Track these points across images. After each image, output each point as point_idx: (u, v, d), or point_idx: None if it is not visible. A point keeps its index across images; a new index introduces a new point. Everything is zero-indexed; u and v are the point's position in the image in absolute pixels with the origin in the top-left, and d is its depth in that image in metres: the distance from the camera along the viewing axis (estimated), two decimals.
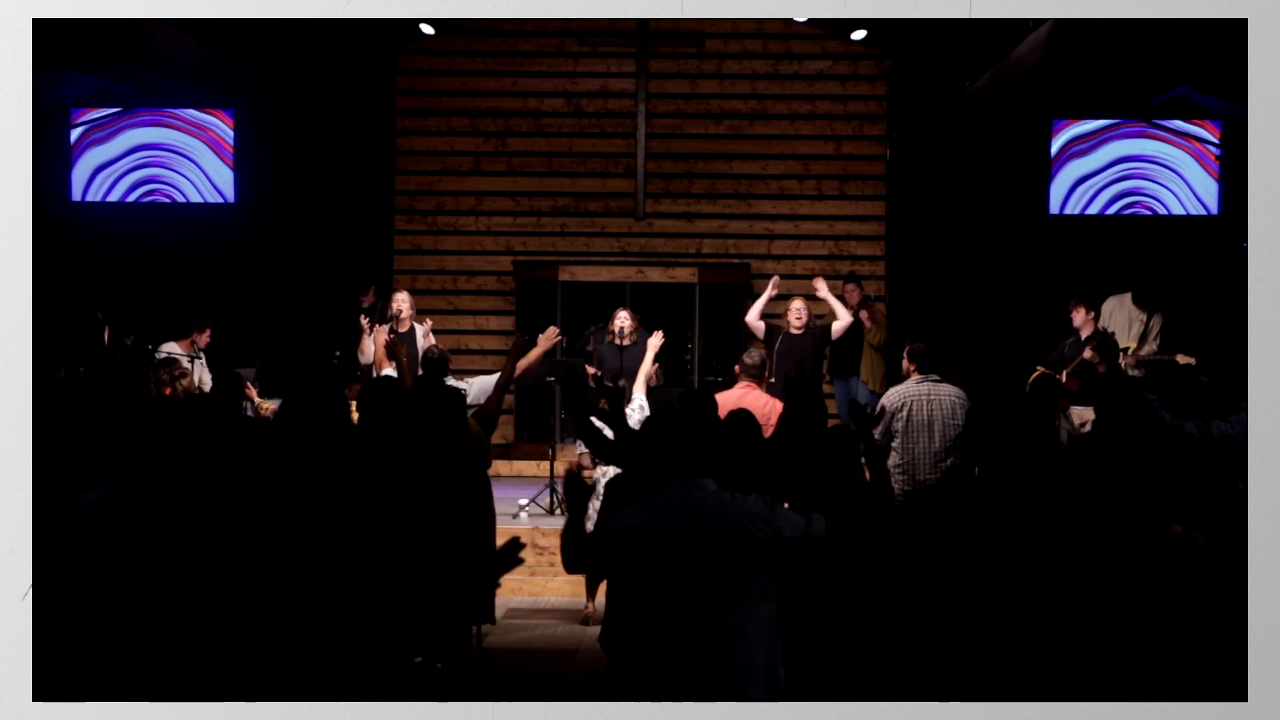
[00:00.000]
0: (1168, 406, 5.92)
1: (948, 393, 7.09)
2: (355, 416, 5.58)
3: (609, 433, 5.62)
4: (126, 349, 9.20)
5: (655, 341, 8.67)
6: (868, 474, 4.59)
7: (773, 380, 9.35)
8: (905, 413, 7.03)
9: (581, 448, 7.77)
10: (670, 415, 5.20)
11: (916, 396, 7.05)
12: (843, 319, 9.31)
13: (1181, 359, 9.65)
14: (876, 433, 6.97)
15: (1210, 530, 4.86)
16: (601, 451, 5.43)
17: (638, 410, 7.22)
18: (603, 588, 7.67)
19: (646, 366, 8.51)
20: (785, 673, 3.72)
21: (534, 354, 7.68)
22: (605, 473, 7.58)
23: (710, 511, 3.58)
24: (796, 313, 9.22)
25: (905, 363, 7.35)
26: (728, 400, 6.52)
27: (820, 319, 9.59)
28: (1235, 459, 5.90)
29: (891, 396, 7.18)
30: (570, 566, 3.83)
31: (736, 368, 7.20)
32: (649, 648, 3.61)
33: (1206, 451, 5.67)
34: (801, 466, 4.49)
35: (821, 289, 9.40)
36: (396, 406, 5.50)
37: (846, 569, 4.24)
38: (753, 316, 9.51)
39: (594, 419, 5.65)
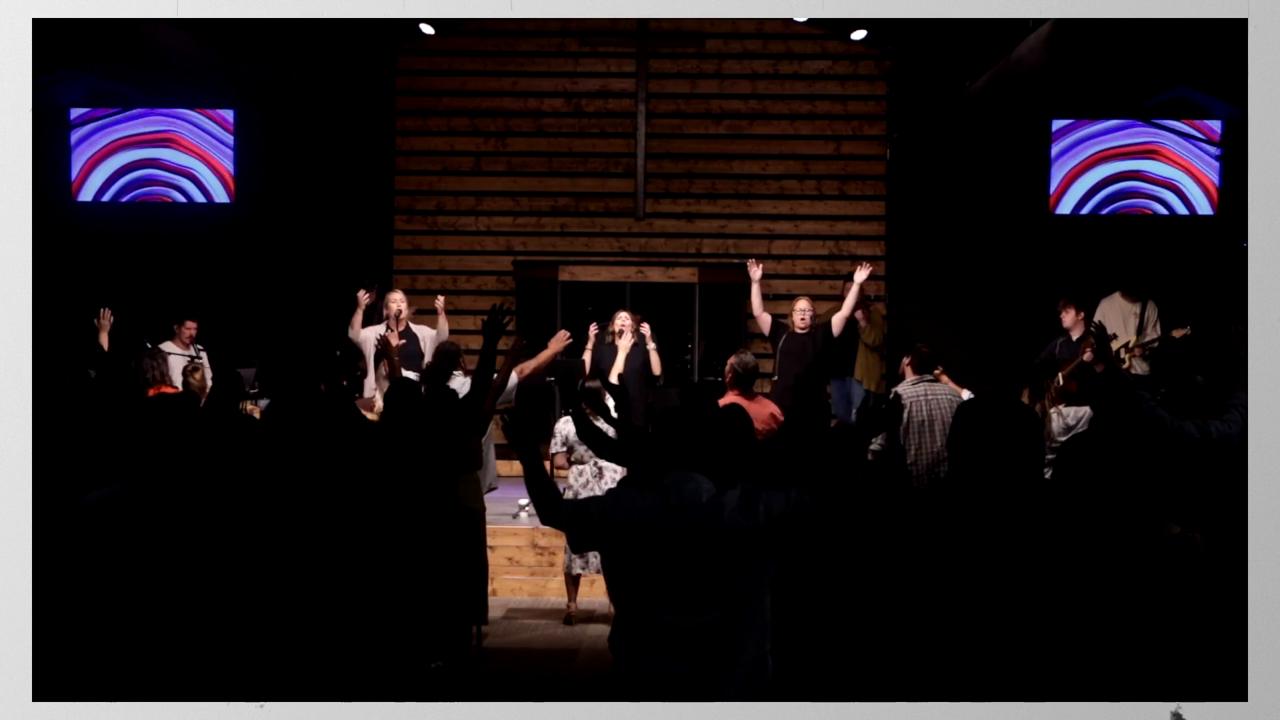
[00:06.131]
0: (1166, 406, 5.92)
1: (943, 392, 7.14)
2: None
3: (610, 431, 5.63)
4: (105, 355, 9.21)
5: (626, 344, 8.74)
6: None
7: (775, 378, 9.37)
8: (905, 414, 7.06)
9: (555, 447, 7.78)
10: (674, 409, 5.20)
11: (915, 397, 7.09)
12: (840, 313, 9.36)
13: (1178, 333, 9.67)
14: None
15: (1210, 530, 4.86)
16: (604, 451, 5.44)
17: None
18: (595, 589, 7.69)
19: (619, 366, 8.60)
20: (774, 661, 3.71)
21: (543, 357, 7.71)
22: (582, 472, 7.61)
23: (699, 505, 3.58)
24: (801, 312, 9.24)
25: (904, 361, 7.43)
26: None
27: (818, 316, 9.61)
28: (1232, 458, 5.92)
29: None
30: (551, 523, 3.80)
31: (727, 374, 7.19)
32: (634, 642, 3.61)
33: (1206, 451, 5.69)
34: (803, 465, 4.47)
35: (858, 275, 9.40)
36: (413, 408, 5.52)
37: (843, 561, 4.24)
38: (756, 309, 9.53)
39: (594, 419, 5.65)
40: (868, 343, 10.72)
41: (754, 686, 3.60)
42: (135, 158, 11.99)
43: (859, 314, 10.60)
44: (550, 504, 3.76)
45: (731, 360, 7.18)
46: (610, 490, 3.77)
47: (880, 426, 4.02)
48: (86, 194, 11.95)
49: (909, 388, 7.19)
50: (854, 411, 9.87)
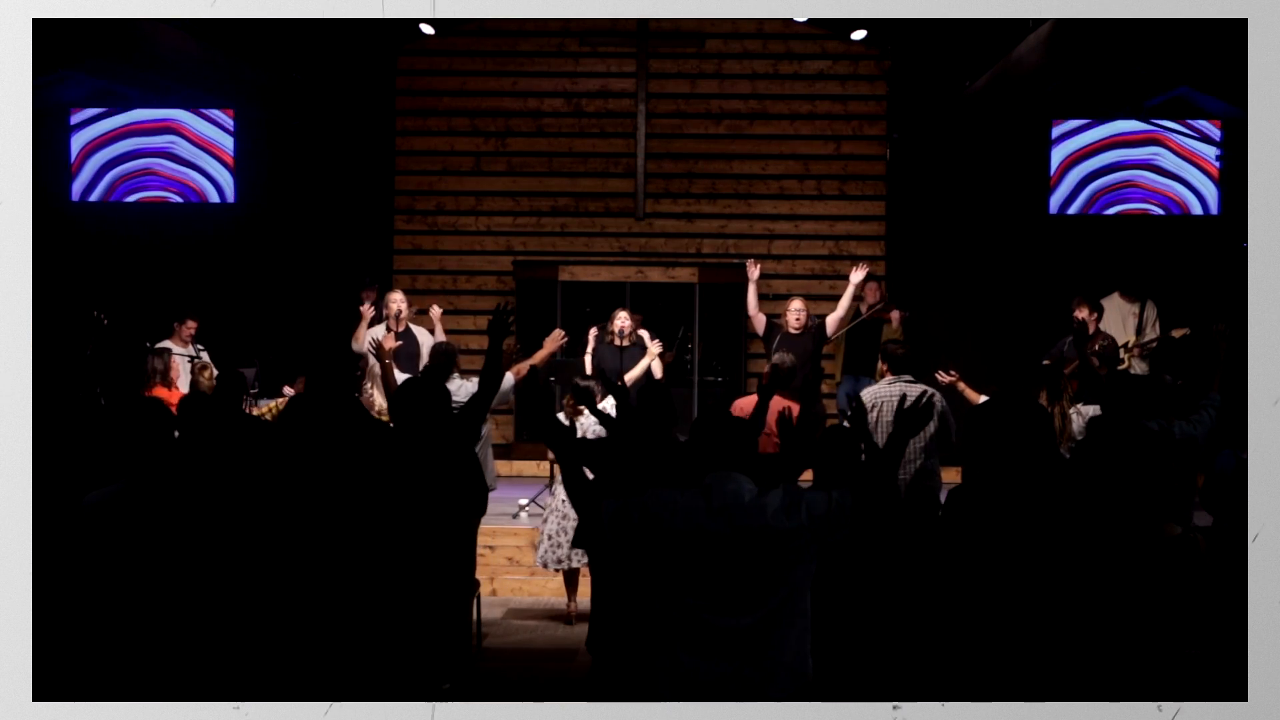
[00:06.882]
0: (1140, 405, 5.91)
1: (919, 393, 7.10)
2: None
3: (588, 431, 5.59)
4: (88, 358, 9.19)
5: (654, 349, 8.75)
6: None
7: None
8: (876, 414, 7.04)
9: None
10: (631, 410, 5.21)
11: (888, 397, 7.08)
12: (835, 314, 9.34)
13: (1177, 333, 9.68)
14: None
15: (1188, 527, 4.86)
16: (563, 451, 5.42)
17: (592, 422, 7.21)
18: (584, 588, 7.66)
19: (635, 373, 8.58)
20: (813, 661, 3.71)
21: (539, 357, 7.69)
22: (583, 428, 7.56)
23: (741, 506, 3.58)
24: (795, 313, 9.22)
25: (879, 363, 7.42)
26: (747, 406, 6.53)
27: (819, 318, 9.60)
28: (1195, 459, 5.93)
29: (865, 397, 7.23)
30: (595, 525, 3.78)
31: (765, 373, 7.20)
32: (672, 642, 3.59)
33: (1168, 451, 5.69)
34: (836, 467, 4.50)
35: (854, 276, 9.38)
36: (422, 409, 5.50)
37: (873, 561, 4.24)
38: (752, 308, 9.53)
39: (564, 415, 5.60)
40: None
41: (796, 687, 3.60)
42: (135, 157, 11.94)
43: (894, 313, 10.53)
44: (589, 503, 3.75)
45: (774, 359, 7.24)
46: (650, 490, 3.73)
47: (919, 426, 4.03)
48: (86, 194, 11.90)
49: (885, 387, 7.19)
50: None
